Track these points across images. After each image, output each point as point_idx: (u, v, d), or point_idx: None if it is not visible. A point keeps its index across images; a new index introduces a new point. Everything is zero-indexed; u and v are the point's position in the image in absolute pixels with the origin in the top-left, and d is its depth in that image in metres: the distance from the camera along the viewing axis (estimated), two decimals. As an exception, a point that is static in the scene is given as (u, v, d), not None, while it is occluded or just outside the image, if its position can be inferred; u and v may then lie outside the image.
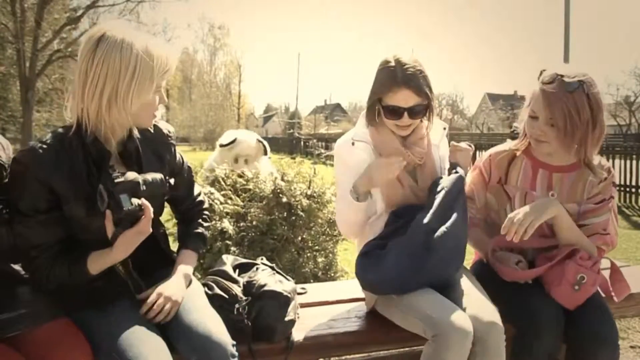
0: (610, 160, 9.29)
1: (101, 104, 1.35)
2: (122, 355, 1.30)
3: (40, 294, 1.45)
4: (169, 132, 1.63)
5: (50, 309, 1.41)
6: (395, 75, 1.69)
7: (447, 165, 1.88)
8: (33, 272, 1.43)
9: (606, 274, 1.88)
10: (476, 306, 1.61)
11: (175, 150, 1.66)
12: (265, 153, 4.18)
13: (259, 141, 4.19)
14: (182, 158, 1.72)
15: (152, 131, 1.56)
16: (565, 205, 1.79)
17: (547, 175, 1.86)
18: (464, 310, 1.58)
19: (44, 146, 1.36)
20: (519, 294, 1.77)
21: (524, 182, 1.89)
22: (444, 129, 1.91)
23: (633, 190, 9.00)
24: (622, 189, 9.15)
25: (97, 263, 1.42)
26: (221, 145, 4.10)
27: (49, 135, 1.40)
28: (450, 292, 1.69)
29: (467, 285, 1.73)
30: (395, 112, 1.73)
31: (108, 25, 1.38)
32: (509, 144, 1.98)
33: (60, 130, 1.42)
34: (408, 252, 1.64)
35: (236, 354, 1.42)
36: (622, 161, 9.22)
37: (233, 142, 4.02)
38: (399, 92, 1.70)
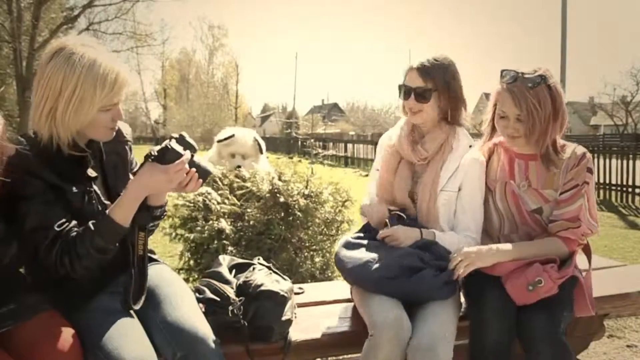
0: (607, 160, 9.33)
1: (41, 116, 1.41)
2: (103, 347, 1.35)
3: (27, 289, 1.47)
4: (126, 133, 1.70)
5: (38, 303, 1.42)
6: (414, 61, 1.88)
7: (466, 187, 1.88)
8: (60, 255, 1.40)
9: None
10: (432, 334, 1.57)
11: (130, 148, 1.73)
12: (261, 152, 4.18)
13: (255, 139, 4.20)
14: (134, 158, 1.75)
15: None
16: (544, 191, 1.85)
17: (523, 165, 1.91)
18: (421, 332, 1.58)
19: (26, 148, 1.41)
20: (476, 289, 1.81)
21: (501, 174, 1.93)
22: (470, 146, 1.93)
23: (630, 190, 9.02)
24: (619, 188, 9.17)
25: (117, 207, 1.43)
26: (218, 141, 4.11)
27: (23, 140, 1.44)
28: (420, 308, 1.68)
29: (438, 311, 1.67)
30: (404, 92, 1.89)
31: (71, 40, 1.43)
32: (480, 144, 2.02)
33: (30, 134, 1.47)
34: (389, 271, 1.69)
35: (220, 351, 1.46)
36: (619, 161, 9.24)
37: (230, 137, 4.03)
38: (410, 73, 1.88)
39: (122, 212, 1.43)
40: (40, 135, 1.44)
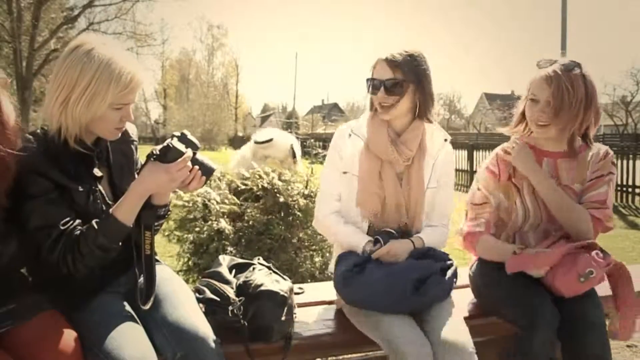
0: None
1: (54, 105, 1.42)
2: (103, 347, 1.34)
3: (27, 289, 1.47)
4: (132, 133, 1.71)
5: (38, 303, 1.42)
6: (381, 53, 1.78)
7: (443, 180, 1.88)
8: (64, 253, 1.40)
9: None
10: (450, 329, 1.58)
11: (136, 148, 1.73)
12: (294, 158, 4.12)
13: (292, 147, 4.15)
14: (138, 158, 1.76)
15: None
16: (574, 186, 1.88)
17: (552, 163, 1.91)
18: (438, 332, 1.57)
19: (32, 145, 1.42)
20: (516, 292, 1.78)
21: None
22: (445, 140, 1.90)
23: (630, 190, 9.02)
24: (619, 188, 9.17)
25: (121, 206, 1.43)
26: (256, 142, 4.08)
27: (30, 137, 1.45)
28: (425, 313, 1.67)
29: (443, 308, 1.68)
30: (373, 86, 1.79)
31: (93, 38, 1.45)
32: (510, 142, 2.02)
33: (37, 131, 1.48)
34: (395, 289, 1.64)
35: (220, 350, 1.46)
36: (619, 161, 9.22)
37: (269, 141, 4.01)
38: (377, 65, 1.79)
39: (126, 211, 1.43)
40: (50, 127, 1.45)
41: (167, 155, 1.44)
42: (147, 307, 1.50)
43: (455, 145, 14.72)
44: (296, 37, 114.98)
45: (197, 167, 1.50)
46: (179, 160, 1.44)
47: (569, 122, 1.78)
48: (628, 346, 2.97)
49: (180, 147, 1.46)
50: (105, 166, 1.59)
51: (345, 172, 1.86)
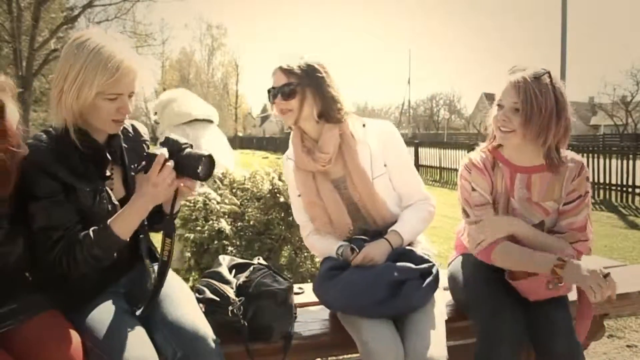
0: (607, 160, 9.33)
1: (53, 99, 1.45)
2: (105, 347, 1.35)
3: (28, 288, 1.47)
4: (144, 133, 1.73)
5: (40, 302, 1.42)
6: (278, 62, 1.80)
7: (391, 162, 1.83)
8: (60, 256, 1.41)
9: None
10: (424, 340, 1.55)
11: (148, 148, 1.74)
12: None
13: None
14: None
15: (131, 132, 1.68)
16: (545, 204, 1.79)
17: (526, 178, 1.81)
18: (413, 342, 1.55)
19: (43, 144, 1.43)
20: (487, 297, 1.76)
21: (504, 189, 1.84)
22: (363, 125, 1.86)
23: (630, 190, 9.02)
24: (619, 188, 9.18)
25: (118, 220, 1.43)
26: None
27: (42, 135, 1.45)
28: (406, 318, 1.64)
29: (425, 313, 1.65)
30: (272, 95, 1.82)
31: (92, 31, 1.46)
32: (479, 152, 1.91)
33: (50, 129, 1.48)
34: (373, 293, 1.62)
35: (220, 350, 1.46)
36: (619, 161, 9.25)
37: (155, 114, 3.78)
38: (275, 75, 1.80)
39: (123, 225, 1.42)
40: (54, 121, 1.46)
41: (148, 164, 1.42)
42: (147, 312, 1.50)
43: (456, 145, 14.73)
44: (296, 38, 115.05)
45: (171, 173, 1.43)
46: (154, 163, 1.40)
47: (540, 133, 1.68)
48: (628, 346, 2.98)
49: (156, 151, 1.42)
50: (120, 165, 1.60)
51: (299, 195, 1.90)
